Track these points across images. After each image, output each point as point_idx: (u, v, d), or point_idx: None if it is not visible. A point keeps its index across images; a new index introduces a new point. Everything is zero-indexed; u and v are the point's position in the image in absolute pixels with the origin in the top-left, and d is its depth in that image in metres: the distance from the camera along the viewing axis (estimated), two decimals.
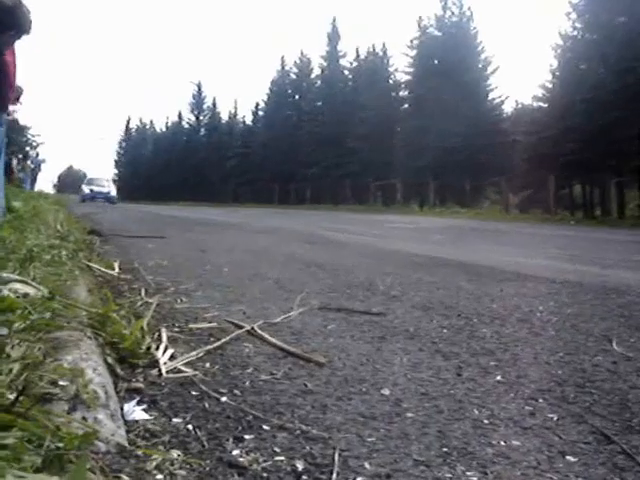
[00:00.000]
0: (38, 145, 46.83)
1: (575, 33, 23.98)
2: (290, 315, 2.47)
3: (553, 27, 34.72)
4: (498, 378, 1.75)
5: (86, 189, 35.00)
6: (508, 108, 36.79)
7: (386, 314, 2.63)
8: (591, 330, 2.45)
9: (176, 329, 2.14)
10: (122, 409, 1.26)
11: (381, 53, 42.65)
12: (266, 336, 2.04)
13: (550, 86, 26.01)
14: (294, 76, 50.08)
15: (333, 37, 45.71)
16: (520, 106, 42.31)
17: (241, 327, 2.17)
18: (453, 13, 35.16)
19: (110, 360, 1.50)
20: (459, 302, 3.02)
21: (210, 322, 2.27)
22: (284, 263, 4.72)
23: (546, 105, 26.42)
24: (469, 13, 34.88)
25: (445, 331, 2.35)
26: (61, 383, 1.08)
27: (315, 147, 42.16)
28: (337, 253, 5.76)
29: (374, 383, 1.64)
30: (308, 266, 4.51)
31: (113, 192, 36.01)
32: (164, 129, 75.88)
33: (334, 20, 45.87)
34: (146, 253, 4.94)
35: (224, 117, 63.53)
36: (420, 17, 36.29)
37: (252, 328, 2.13)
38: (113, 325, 1.65)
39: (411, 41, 36.82)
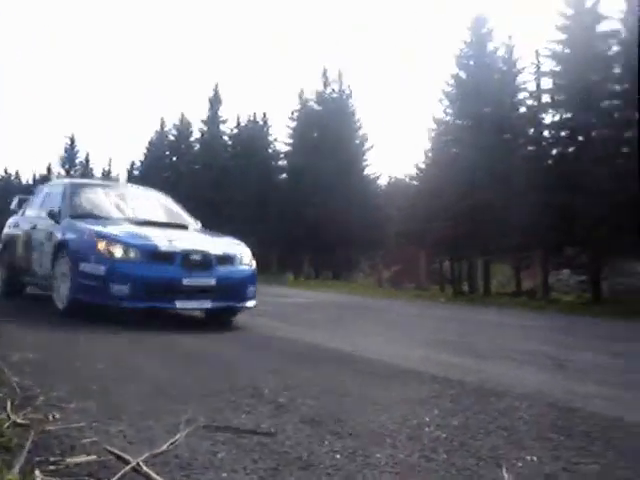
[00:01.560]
0: None
1: (448, 118, 26.00)
2: (176, 439, 2.33)
3: (428, 111, 37.52)
4: None
5: (131, 250, 6.07)
6: (382, 182, 38.98)
7: (276, 433, 2.57)
8: (479, 450, 2.47)
9: (51, 467, 1.93)
10: None
11: (262, 122, 43.66)
12: (154, 476, 1.90)
13: (423, 166, 27.86)
14: (173, 138, 49.69)
15: (215, 102, 46.16)
16: (393, 180, 44.88)
17: (125, 461, 2.01)
18: (333, 90, 37.00)
19: None
20: (349, 414, 2.99)
21: (89, 454, 2.08)
22: (162, 353, 4.54)
23: (418, 184, 28.18)
24: (348, 91, 36.94)
25: (339, 457, 2.32)
26: None
27: (192, 210, 41.63)
28: (214, 339, 5.62)
29: None
30: (187, 358, 4.37)
31: (246, 257, 6.93)
32: (31, 182, 71.82)
33: (216, 86, 46.52)
34: (8, 339, 4.53)
35: (97, 174, 61.39)
36: (302, 90, 37.86)
37: (137, 464, 1.98)
38: None
39: (292, 113, 38.13)
